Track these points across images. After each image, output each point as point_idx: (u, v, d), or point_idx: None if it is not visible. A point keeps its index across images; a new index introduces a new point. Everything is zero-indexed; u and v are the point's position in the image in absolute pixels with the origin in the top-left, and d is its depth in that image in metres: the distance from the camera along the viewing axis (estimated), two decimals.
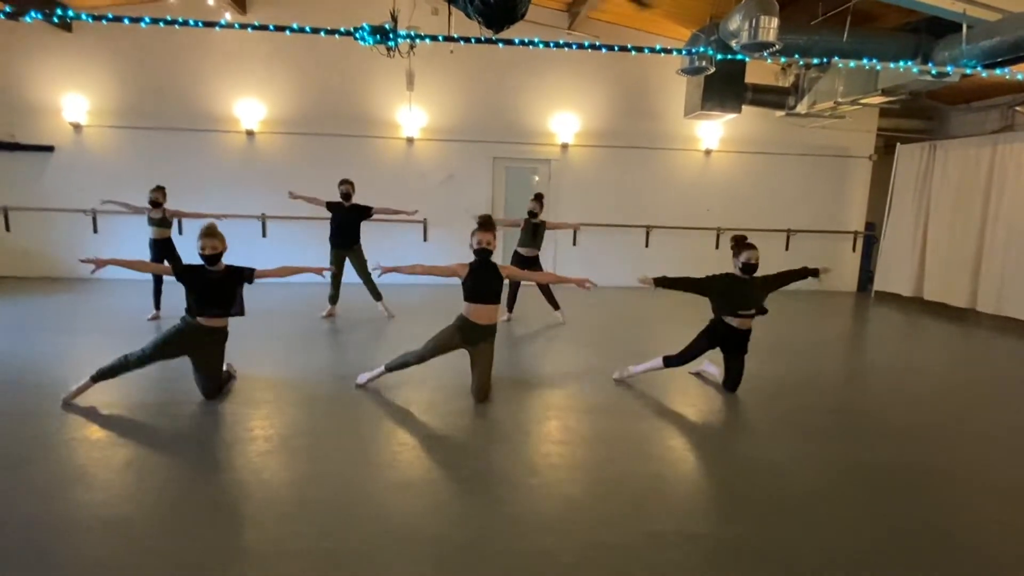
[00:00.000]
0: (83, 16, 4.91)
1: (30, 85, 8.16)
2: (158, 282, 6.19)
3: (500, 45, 5.27)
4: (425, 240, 8.93)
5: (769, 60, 5.61)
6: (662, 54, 5.77)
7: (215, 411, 3.62)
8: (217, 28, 5.09)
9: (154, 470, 2.89)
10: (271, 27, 5.03)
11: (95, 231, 8.47)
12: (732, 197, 9.47)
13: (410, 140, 8.76)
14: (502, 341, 5.67)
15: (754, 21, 5.03)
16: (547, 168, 9.14)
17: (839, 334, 7.03)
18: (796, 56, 5.72)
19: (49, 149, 8.26)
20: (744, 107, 8.13)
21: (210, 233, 3.62)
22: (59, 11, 5.28)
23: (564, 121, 8.94)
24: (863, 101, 7.32)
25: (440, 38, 5.26)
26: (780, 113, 8.52)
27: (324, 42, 8.15)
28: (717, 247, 9.43)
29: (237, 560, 2.18)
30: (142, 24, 4.99)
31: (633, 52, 5.41)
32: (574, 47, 5.34)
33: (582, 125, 9.03)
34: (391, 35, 4.98)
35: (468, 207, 8.96)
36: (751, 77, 8.09)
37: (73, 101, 8.18)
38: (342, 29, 4.97)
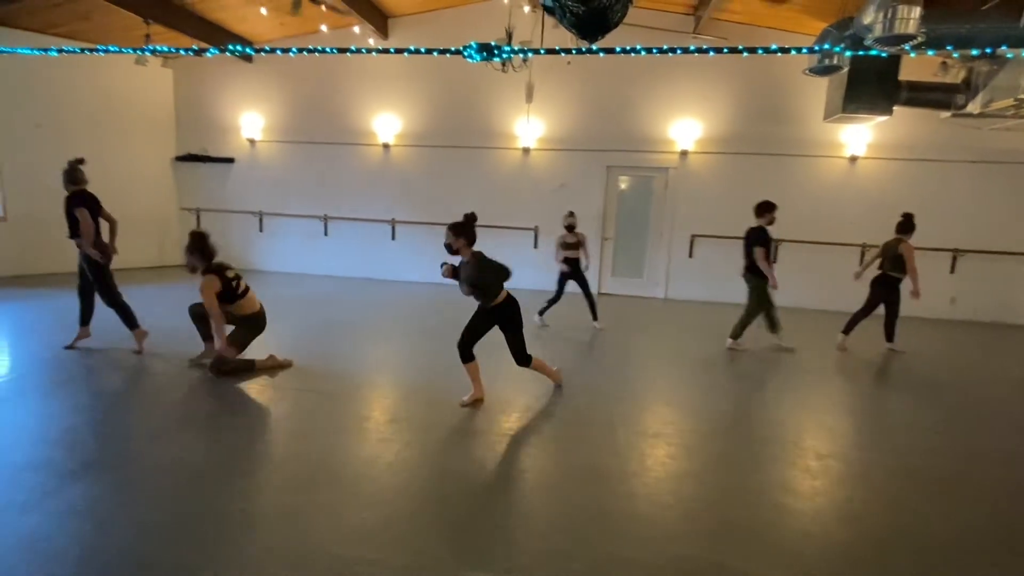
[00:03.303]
0: (248, 50, 5.85)
1: (219, 106, 9.85)
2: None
3: (601, 55, 5.28)
4: (536, 247, 9.14)
5: (913, 54, 4.92)
6: (779, 54, 5.36)
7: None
8: (348, 54, 5.77)
9: (317, 439, 3.40)
10: (391, 50, 5.57)
11: (260, 230, 9.95)
12: (882, 210, 8.31)
13: (526, 150, 9.04)
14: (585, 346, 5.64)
15: (890, 12, 4.47)
16: (664, 176, 8.84)
17: (1012, 376, 5.86)
18: (949, 48, 4.92)
19: (230, 161, 9.89)
20: (896, 108, 7.16)
21: None
22: (230, 47, 6.38)
23: (685, 127, 8.60)
24: None
25: (542, 51, 5.42)
26: (946, 114, 7.34)
27: (452, 61, 8.76)
28: (860, 266, 8.40)
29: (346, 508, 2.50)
30: (291, 53, 5.81)
31: (744, 53, 5.09)
32: (679, 51, 5.16)
33: (704, 131, 8.61)
34: (496, 51, 5.24)
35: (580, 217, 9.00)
36: (907, 74, 7.10)
37: (250, 120, 9.71)
38: (452, 48, 5.36)
